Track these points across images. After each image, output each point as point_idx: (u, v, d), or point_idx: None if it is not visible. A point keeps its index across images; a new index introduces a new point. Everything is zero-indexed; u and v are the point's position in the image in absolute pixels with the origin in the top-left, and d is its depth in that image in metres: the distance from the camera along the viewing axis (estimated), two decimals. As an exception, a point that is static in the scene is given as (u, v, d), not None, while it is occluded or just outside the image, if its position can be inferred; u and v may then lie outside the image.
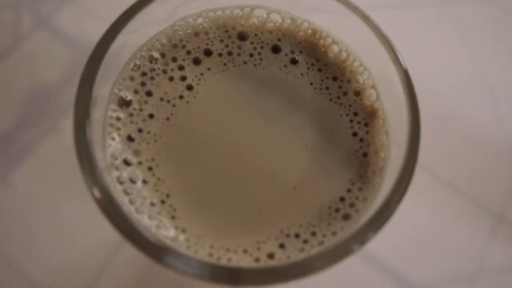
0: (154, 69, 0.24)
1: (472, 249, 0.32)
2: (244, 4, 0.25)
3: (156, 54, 0.24)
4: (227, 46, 0.24)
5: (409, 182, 0.21)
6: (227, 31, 0.25)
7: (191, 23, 0.24)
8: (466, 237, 0.32)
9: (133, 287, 0.31)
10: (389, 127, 0.23)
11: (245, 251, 0.21)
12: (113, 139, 0.22)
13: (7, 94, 0.34)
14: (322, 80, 0.24)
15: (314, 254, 0.20)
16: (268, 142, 0.23)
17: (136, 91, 0.23)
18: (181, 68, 0.24)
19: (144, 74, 0.23)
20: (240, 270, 0.19)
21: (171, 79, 0.24)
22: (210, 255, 0.21)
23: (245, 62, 0.24)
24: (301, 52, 0.25)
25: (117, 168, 0.22)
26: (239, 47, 0.24)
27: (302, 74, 0.24)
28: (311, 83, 0.24)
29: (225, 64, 0.24)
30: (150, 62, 0.24)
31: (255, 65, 0.24)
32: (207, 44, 0.24)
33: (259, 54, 0.24)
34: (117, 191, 0.21)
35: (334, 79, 0.24)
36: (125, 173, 0.22)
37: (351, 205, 0.22)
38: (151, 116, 0.23)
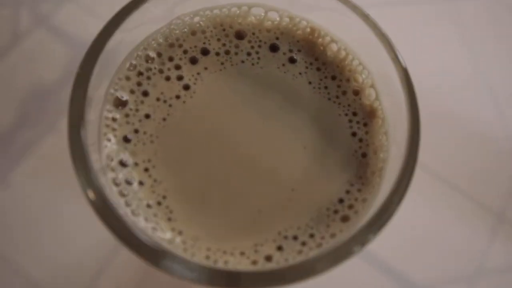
0: (150, 69, 0.23)
1: (472, 249, 0.32)
2: (242, 2, 0.24)
3: (152, 54, 0.23)
4: (224, 45, 0.24)
5: (409, 182, 0.20)
6: (224, 29, 0.24)
7: (188, 22, 0.24)
8: (466, 237, 0.32)
9: (133, 287, 0.31)
10: (388, 127, 0.23)
11: (242, 253, 0.21)
12: (109, 140, 0.22)
13: (6, 93, 0.34)
14: (321, 79, 0.24)
15: (313, 257, 0.20)
16: (266, 143, 0.23)
17: (132, 91, 0.23)
18: (177, 67, 0.23)
19: (140, 73, 0.23)
20: (238, 274, 0.19)
21: (167, 78, 0.23)
22: (207, 257, 0.21)
23: (242, 61, 0.24)
24: (299, 51, 0.24)
25: (113, 170, 0.22)
26: (237, 46, 0.24)
27: (300, 73, 0.24)
28: (310, 82, 0.24)
29: (222, 63, 0.24)
30: (147, 61, 0.23)
31: (252, 64, 0.24)
32: (204, 43, 0.24)
33: (257, 53, 0.24)
34: (112, 193, 0.21)
35: (333, 78, 0.24)
36: (121, 174, 0.22)
37: (350, 206, 0.22)
38: (147, 116, 0.23)
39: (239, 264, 0.21)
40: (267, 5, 0.24)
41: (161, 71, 0.23)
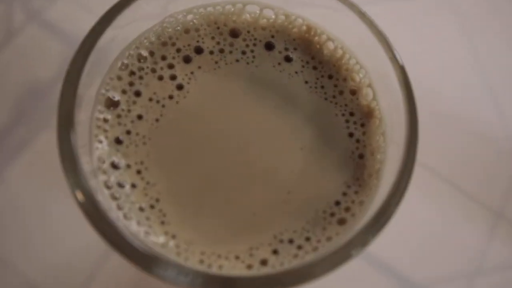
0: (142, 68, 0.23)
1: (472, 248, 0.32)
2: (236, -1, 0.24)
3: (144, 52, 0.23)
4: (218, 43, 0.23)
5: (407, 185, 0.20)
6: (218, 27, 0.24)
7: (181, 20, 0.23)
8: (466, 237, 0.32)
9: (132, 287, 0.30)
10: (386, 127, 0.22)
11: (237, 257, 0.21)
12: (100, 141, 0.21)
13: (0, 90, 0.34)
14: (317, 79, 0.23)
15: (310, 261, 0.19)
16: (261, 144, 0.22)
17: (124, 91, 0.22)
18: (170, 66, 0.23)
19: (132, 73, 0.23)
20: (233, 280, 0.19)
21: (160, 78, 0.23)
22: (201, 262, 0.20)
23: (237, 60, 0.23)
24: (295, 49, 0.24)
25: (104, 172, 0.21)
26: (231, 45, 0.23)
27: (296, 72, 0.23)
28: (306, 82, 0.23)
29: (216, 62, 0.23)
30: (139, 60, 0.23)
31: (247, 63, 0.23)
32: (197, 41, 0.23)
33: (252, 51, 0.23)
34: (104, 196, 0.21)
35: (330, 77, 0.23)
36: (113, 177, 0.21)
37: (347, 209, 0.21)
38: (139, 117, 0.22)
39: (234, 268, 0.20)
40: (262, 3, 0.24)
41: (153, 71, 0.23)
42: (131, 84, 0.22)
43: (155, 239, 0.21)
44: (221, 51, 0.23)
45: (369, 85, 0.23)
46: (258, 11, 0.24)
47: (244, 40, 0.24)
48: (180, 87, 0.23)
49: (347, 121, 0.23)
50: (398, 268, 0.31)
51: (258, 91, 0.23)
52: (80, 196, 0.19)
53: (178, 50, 0.23)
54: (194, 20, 0.24)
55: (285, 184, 0.22)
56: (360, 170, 0.22)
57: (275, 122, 0.23)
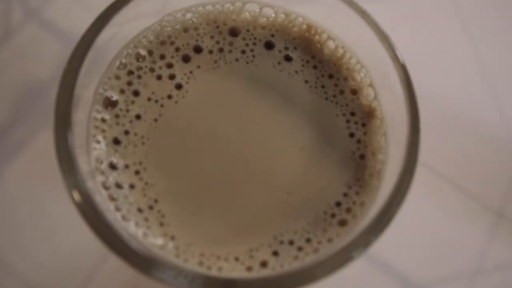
0: (141, 67, 0.22)
1: (472, 248, 0.32)
2: (235, -2, 0.23)
3: (143, 52, 0.23)
4: (218, 42, 0.23)
5: (408, 185, 0.20)
6: (217, 26, 0.23)
7: (180, 19, 0.23)
8: (466, 236, 0.32)
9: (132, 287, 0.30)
10: (387, 127, 0.22)
11: (236, 259, 0.20)
12: (98, 142, 0.21)
13: (-2, 89, 0.33)
14: (318, 78, 0.23)
15: (311, 263, 0.19)
16: (261, 144, 0.22)
17: (122, 91, 0.22)
18: (169, 66, 0.23)
19: (130, 72, 0.22)
20: (233, 282, 0.19)
21: (159, 77, 0.22)
22: (200, 263, 0.20)
23: (236, 59, 0.23)
24: (295, 48, 0.23)
25: (102, 173, 0.21)
26: (231, 44, 0.23)
27: (296, 72, 0.23)
28: (306, 81, 0.23)
29: (215, 62, 0.23)
30: (137, 60, 0.23)
31: (247, 63, 0.23)
32: (196, 40, 0.23)
33: (252, 50, 0.23)
34: (102, 197, 0.20)
35: (330, 76, 0.23)
36: (111, 177, 0.21)
37: (348, 210, 0.21)
38: (138, 117, 0.22)
39: (234, 270, 0.20)
40: (262, 1, 0.23)
41: (152, 70, 0.23)
42: (129, 83, 0.22)
43: (153, 241, 0.20)
44: (221, 50, 0.23)
45: (370, 85, 0.23)
46: (257, 10, 0.24)
47: (244, 39, 0.23)
48: (179, 86, 0.22)
49: (347, 121, 0.22)
50: (398, 267, 0.31)
51: (258, 90, 0.23)
52: (77, 196, 0.18)
53: (177, 49, 0.23)
54: (193, 19, 0.23)
55: (285, 185, 0.21)
56: (361, 171, 0.22)
57: (275, 122, 0.22)
